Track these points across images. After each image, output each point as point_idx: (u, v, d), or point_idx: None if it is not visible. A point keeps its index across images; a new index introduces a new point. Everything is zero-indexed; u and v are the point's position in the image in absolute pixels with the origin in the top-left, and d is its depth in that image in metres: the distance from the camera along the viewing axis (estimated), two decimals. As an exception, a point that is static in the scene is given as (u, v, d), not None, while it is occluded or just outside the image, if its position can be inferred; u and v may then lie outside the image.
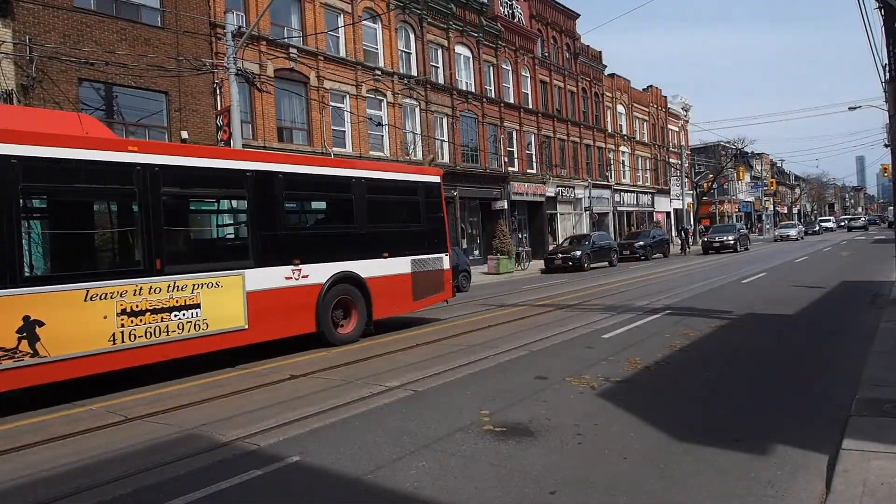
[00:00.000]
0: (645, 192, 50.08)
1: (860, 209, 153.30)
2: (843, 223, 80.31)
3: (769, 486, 4.03)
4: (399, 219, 12.01)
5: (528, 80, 36.58)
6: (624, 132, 47.59)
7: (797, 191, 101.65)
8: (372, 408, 6.35)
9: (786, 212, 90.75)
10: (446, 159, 29.46)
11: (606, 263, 29.07)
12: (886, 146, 34.14)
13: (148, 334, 7.78)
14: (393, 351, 9.57)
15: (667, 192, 53.58)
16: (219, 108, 18.80)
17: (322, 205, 11.54)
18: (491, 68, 33.17)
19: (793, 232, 49.86)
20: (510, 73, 34.80)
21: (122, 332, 7.54)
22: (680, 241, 39.71)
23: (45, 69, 15.70)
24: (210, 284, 8.48)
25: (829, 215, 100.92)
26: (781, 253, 30.91)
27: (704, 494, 3.98)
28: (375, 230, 11.14)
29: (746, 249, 35.69)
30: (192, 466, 4.90)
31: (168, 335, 7.98)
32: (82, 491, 4.52)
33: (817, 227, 65.12)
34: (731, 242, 34.53)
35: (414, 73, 27.78)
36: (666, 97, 55.48)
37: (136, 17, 17.91)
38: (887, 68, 16.04)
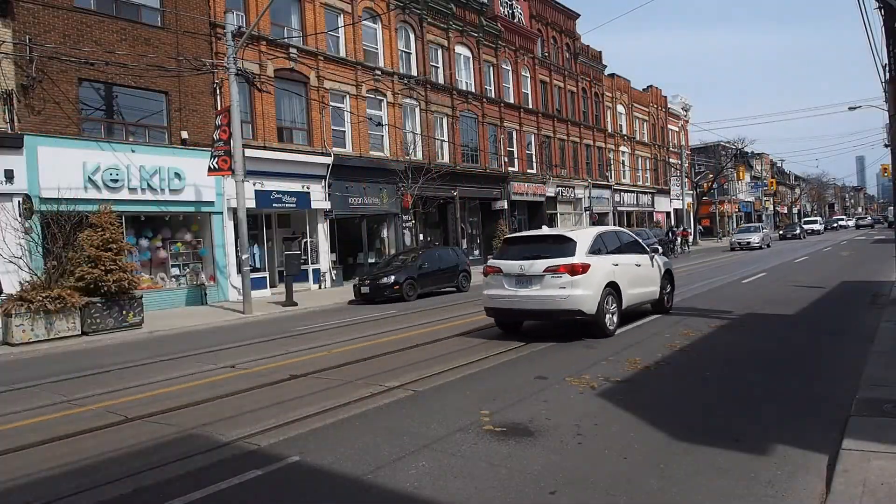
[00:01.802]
0: (645, 192, 50.07)
1: (860, 209, 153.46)
2: (835, 224, 73.93)
3: (769, 486, 4.03)
4: None
5: (528, 80, 36.57)
6: (624, 132, 47.58)
7: (797, 191, 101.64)
8: (372, 408, 6.34)
9: (786, 212, 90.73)
10: (446, 159, 29.46)
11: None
12: (886, 146, 34.12)
13: None
14: (393, 351, 9.57)
15: (667, 192, 53.57)
16: (219, 108, 18.79)
17: None
18: (491, 68, 33.15)
19: (754, 238, 37.08)
20: (510, 73, 34.79)
21: None
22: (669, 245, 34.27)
23: (45, 69, 15.70)
24: None
25: (831, 215, 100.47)
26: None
27: (704, 494, 3.97)
28: None
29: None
30: (192, 466, 4.89)
31: None
32: (82, 491, 4.52)
33: (797, 230, 51.60)
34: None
35: (414, 73, 27.77)
36: (666, 97, 55.47)
37: (136, 17, 17.91)
38: (887, 68, 16.04)
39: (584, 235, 10.18)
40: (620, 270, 10.20)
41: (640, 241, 11.69)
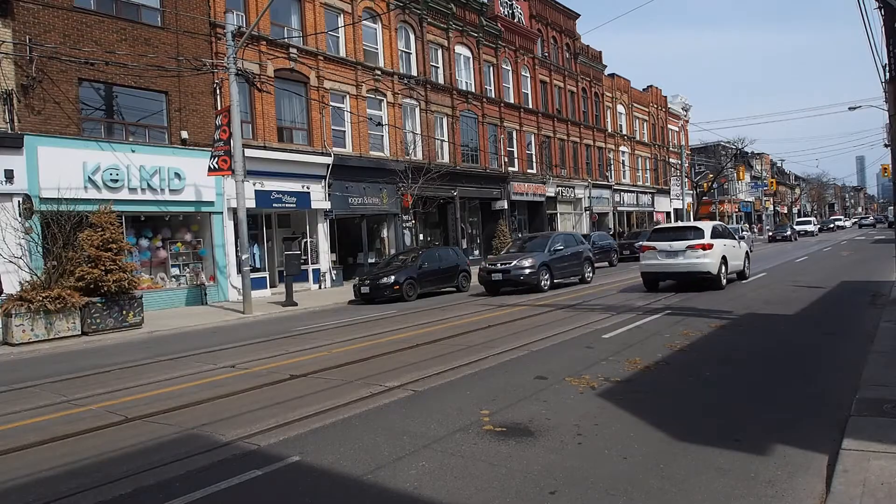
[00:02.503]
0: (645, 192, 50.08)
1: (860, 209, 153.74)
2: (831, 225, 70.37)
3: (769, 486, 4.03)
4: None
5: (528, 80, 36.57)
6: (624, 132, 47.59)
7: (797, 191, 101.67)
8: (372, 408, 6.34)
9: (786, 212, 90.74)
10: (446, 159, 29.46)
11: (606, 263, 29.07)
12: (886, 146, 34.13)
13: None
14: (393, 351, 9.57)
15: (667, 192, 53.58)
16: (219, 108, 18.79)
17: None
18: (491, 68, 33.16)
19: None
20: (510, 73, 34.79)
21: None
22: None
23: (45, 69, 15.70)
24: None
25: (831, 215, 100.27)
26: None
27: (704, 494, 3.97)
28: None
29: (585, 282, 19.71)
30: (192, 466, 4.89)
31: None
32: (82, 491, 4.51)
33: (788, 232, 48.07)
34: (527, 273, 17.67)
35: (414, 73, 27.78)
36: (666, 97, 55.48)
37: (136, 17, 17.91)
38: (887, 68, 16.02)
39: (707, 226, 16.03)
40: (726, 248, 15.90)
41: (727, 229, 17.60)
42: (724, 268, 15.53)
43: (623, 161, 47.20)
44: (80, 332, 13.30)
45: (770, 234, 50.66)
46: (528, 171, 35.70)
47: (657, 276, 16.20)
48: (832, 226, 70.81)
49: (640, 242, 24.03)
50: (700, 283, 15.48)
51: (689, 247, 15.27)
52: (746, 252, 17.73)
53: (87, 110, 17.07)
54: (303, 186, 22.05)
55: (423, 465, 4.66)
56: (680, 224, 18.80)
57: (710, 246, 15.22)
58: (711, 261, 15.10)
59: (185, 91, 18.85)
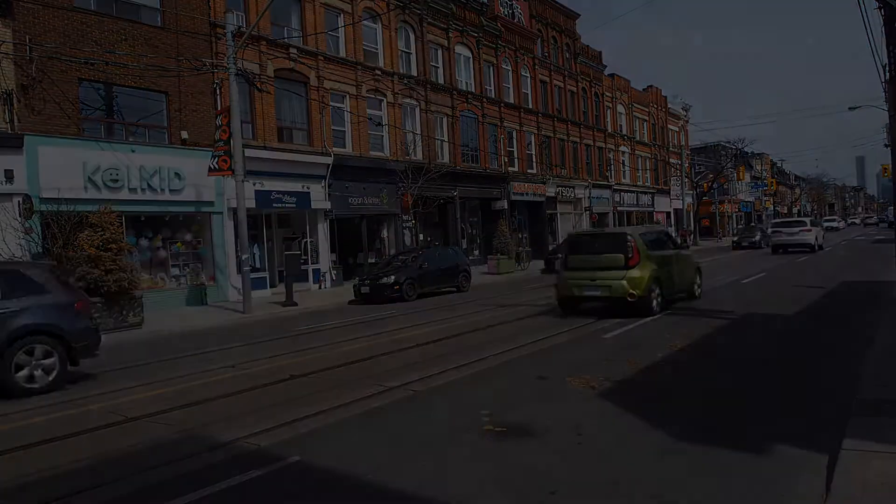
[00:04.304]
0: (645, 192, 50.05)
1: (860, 209, 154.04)
2: (824, 225, 64.32)
3: (769, 486, 4.03)
4: None
5: (528, 79, 36.56)
6: (624, 132, 47.56)
7: (797, 191, 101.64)
8: (372, 408, 6.35)
9: (786, 212, 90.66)
10: (446, 159, 29.46)
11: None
12: (886, 146, 34.12)
13: None
14: (393, 351, 9.58)
15: (667, 192, 53.55)
16: (219, 108, 18.78)
17: None
18: (491, 68, 33.15)
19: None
20: (510, 73, 34.79)
21: None
22: None
23: (45, 69, 15.69)
24: None
25: (831, 215, 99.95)
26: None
27: (704, 494, 3.98)
28: None
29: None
30: (192, 466, 4.90)
31: None
32: (82, 491, 4.52)
33: (757, 237, 37.48)
34: None
35: (414, 73, 27.77)
36: (666, 97, 55.44)
37: (136, 17, 17.90)
38: (887, 68, 16.03)
39: (807, 219, 34.42)
40: (817, 231, 31.07)
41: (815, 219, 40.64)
42: (816, 241, 29.48)
43: (623, 161, 47.17)
44: (80, 332, 13.27)
45: (734, 240, 40.29)
46: (528, 171, 35.68)
47: (780, 245, 30.18)
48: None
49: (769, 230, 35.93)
50: (805, 249, 28.88)
51: (800, 230, 29.95)
52: (823, 234, 33.38)
53: (87, 110, 17.05)
54: (303, 187, 22.04)
55: (424, 465, 4.66)
56: (793, 219, 37.47)
57: (811, 230, 29.76)
58: (811, 237, 29.34)
59: (185, 91, 18.84)
